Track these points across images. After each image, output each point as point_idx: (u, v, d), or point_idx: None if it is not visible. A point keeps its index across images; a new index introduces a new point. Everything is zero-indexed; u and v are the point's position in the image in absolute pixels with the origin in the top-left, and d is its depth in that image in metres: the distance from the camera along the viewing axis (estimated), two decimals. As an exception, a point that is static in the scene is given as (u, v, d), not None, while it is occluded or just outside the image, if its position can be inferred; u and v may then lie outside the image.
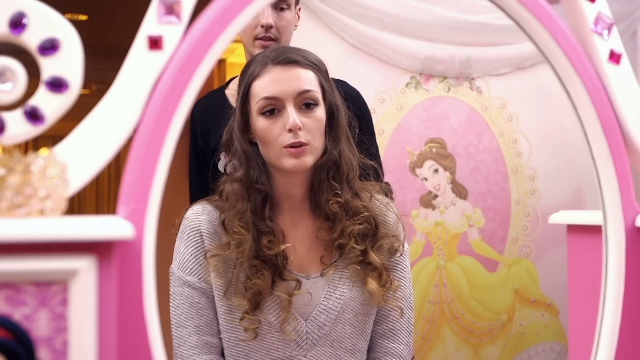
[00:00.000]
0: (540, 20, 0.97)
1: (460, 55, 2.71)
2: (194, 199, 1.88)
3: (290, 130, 1.22)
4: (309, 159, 1.24)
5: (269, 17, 1.76)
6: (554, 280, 2.76)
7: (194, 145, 1.87)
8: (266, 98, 1.24)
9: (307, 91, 1.25)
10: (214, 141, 1.82)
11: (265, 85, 1.24)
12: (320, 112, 1.26)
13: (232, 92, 1.90)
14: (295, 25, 1.86)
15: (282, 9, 1.79)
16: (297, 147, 1.22)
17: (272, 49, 1.31)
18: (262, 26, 1.76)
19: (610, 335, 0.97)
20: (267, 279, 1.23)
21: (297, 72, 1.25)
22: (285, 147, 1.22)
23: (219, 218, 1.28)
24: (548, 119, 2.78)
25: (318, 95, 1.26)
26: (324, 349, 1.27)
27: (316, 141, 1.25)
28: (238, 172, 1.28)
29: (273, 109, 1.24)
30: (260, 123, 1.25)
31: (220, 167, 1.83)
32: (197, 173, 1.88)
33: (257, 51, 1.78)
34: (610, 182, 0.98)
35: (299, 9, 1.87)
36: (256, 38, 1.79)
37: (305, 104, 1.25)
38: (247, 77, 1.27)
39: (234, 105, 1.88)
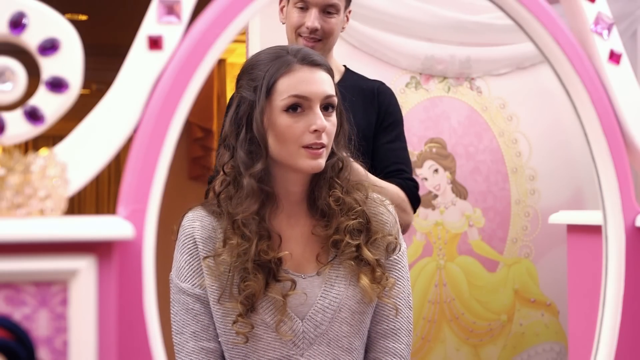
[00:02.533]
0: (540, 20, 0.97)
1: (460, 55, 2.71)
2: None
3: (315, 132, 1.23)
4: (323, 161, 1.26)
5: (315, 21, 1.76)
6: (554, 280, 2.76)
7: None
8: (296, 96, 1.24)
9: (332, 95, 1.27)
10: None
11: (295, 83, 1.24)
12: (335, 117, 1.28)
13: None
14: (343, 28, 1.85)
15: (329, 13, 1.78)
16: (317, 148, 1.23)
17: (291, 48, 1.30)
18: (307, 28, 1.76)
19: (610, 335, 0.97)
20: (261, 281, 1.23)
21: (322, 75, 1.27)
22: (305, 147, 1.23)
23: (213, 223, 1.29)
24: (548, 119, 2.78)
25: (336, 100, 1.28)
26: (321, 348, 1.27)
27: (330, 145, 1.28)
28: (254, 167, 1.25)
29: (297, 107, 1.24)
30: (282, 120, 1.24)
31: None
32: None
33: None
34: (610, 182, 0.99)
35: (349, 12, 1.86)
36: (300, 35, 1.79)
37: (326, 107, 1.26)
38: (272, 73, 1.25)
39: None
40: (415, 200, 1.81)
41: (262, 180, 1.26)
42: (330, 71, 1.30)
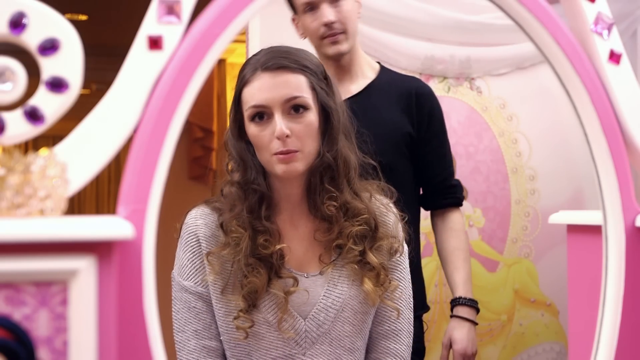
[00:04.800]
0: (540, 20, 0.97)
1: (460, 55, 2.70)
2: None
3: (278, 138, 1.22)
4: (299, 165, 1.24)
5: (328, 15, 1.74)
6: (554, 280, 2.76)
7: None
8: (254, 106, 1.24)
9: (295, 97, 1.24)
10: None
11: (254, 92, 1.24)
12: (311, 116, 1.25)
13: None
14: (358, 13, 1.83)
15: (337, 1, 1.76)
16: (286, 154, 1.22)
17: (265, 51, 1.29)
18: (325, 25, 1.75)
19: (610, 335, 0.97)
20: (263, 277, 1.23)
21: (286, 77, 1.24)
22: (275, 154, 1.23)
23: (216, 221, 1.29)
24: (548, 119, 2.78)
25: (308, 100, 1.25)
26: (323, 347, 1.27)
27: (307, 146, 1.24)
28: (236, 176, 1.28)
29: (262, 115, 1.24)
30: (251, 129, 1.25)
31: None
32: None
33: (328, 50, 1.77)
34: (610, 182, 0.98)
35: None
36: (322, 37, 1.78)
37: (295, 109, 1.24)
38: (239, 82, 1.28)
39: None
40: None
41: (253, 182, 1.26)
42: (303, 69, 1.26)
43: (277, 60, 1.25)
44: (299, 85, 1.25)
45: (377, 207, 1.34)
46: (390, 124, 1.78)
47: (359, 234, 1.28)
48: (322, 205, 1.27)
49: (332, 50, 1.77)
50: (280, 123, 1.22)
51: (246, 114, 1.25)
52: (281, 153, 1.22)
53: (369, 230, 1.29)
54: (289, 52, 1.28)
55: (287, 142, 1.22)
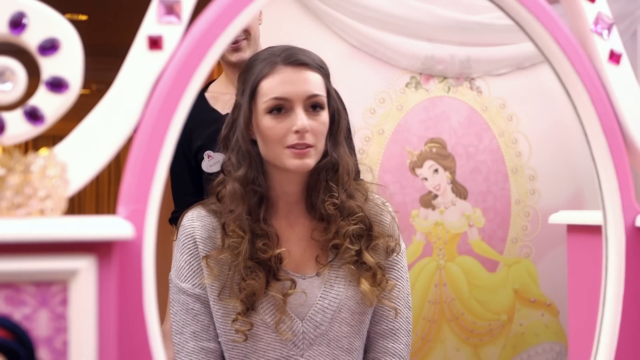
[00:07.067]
0: (540, 20, 0.97)
1: (460, 55, 2.71)
2: (179, 196, 1.91)
3: (297, 132, 1.22)
4: (311, 161, 1.24)
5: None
6: (554, 280, 2.76)
7: (178, 145, 1.90)
8: (276, 98, 1.24)
9: (316, 95, 1.25)
10: (197, 142, 1.85)
11: (275, 85, 1.24)
12: (325, 115, 1.27)
13: (212, 95, 1.92)
14: (260, 19, 1.88)
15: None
16: (302, 148, 1.23)
17: (279, 48, 1.30)
18: (233, 42, 1.80)
19: (610, 335, 0.97)
20: (262, 280, 1.23)
21: (307, 74, 1.26)
22: (289, 147, 1.23)
23: (213, 223, 1.29)
24: (548, 119, 2.78)
25: (324, 99, 1.27)
26: (321, 348, 1.27)
27: (320, 144, 1.26)
28: (238, 171, 1.27)
29: (280, 108, 1.24)
30: (266, 122, 1.25)
31: (204, 167, 1.85)
32: (181, 172, 1.91)
33: (231, 57, 1.82)
34: (610, 182, 0.98)
35: None
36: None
37: (312, 106, 1.25)
38: (256, 75, 1.26)
39: (214, 107, 1.90)
40: None
41: (254, 182, 1.26)
42: (320, 69, 1.28)
43: (299, 56, 1.26)
44: (318, 84, 1.27)
45: (373, 207, 1.34)
46: None
47: (355, 233, 1.28)
48: (321, 204, 1.28)
49: (234, 57, 1.82)
50: (302, 117, 1.23)
51: (263, 106, 1.25)
52: (297, 146, 1.22)
53: (364, 229, 1.29)
54: (305, 50, 1.30)
55: (305, 136, 1.23)
